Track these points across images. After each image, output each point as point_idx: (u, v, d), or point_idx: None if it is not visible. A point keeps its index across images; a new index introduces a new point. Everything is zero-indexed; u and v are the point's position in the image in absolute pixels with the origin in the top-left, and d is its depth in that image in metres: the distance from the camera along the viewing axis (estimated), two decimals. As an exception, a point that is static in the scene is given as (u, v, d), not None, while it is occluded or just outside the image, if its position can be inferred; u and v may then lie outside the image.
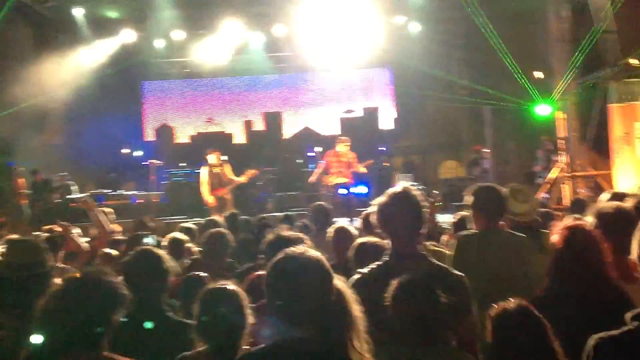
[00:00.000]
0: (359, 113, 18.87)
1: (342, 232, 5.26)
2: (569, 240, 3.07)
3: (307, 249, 2.46)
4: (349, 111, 18.62)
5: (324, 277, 2.36)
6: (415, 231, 3.14)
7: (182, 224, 7.56)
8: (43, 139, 17.43)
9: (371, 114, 19.04)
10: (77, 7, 16.61)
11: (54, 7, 16.76)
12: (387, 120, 19.16)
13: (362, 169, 12.91)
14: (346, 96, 19.27)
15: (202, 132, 19.11)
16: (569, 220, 3.37)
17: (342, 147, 12.80)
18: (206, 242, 5.26)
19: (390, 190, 3.22)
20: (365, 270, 3.14)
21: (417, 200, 3.15)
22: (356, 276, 3.13)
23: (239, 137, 19.32)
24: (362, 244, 4.01)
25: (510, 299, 2.69)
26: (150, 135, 19.52)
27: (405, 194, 3.16)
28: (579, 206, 6.95)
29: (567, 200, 11.07)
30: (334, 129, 18.22)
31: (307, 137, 18.54)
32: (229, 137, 19.07)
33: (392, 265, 3.06)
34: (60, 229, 5.90)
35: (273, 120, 19.20)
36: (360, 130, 17.27)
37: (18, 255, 3.58)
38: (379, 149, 16.82)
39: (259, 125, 19.37)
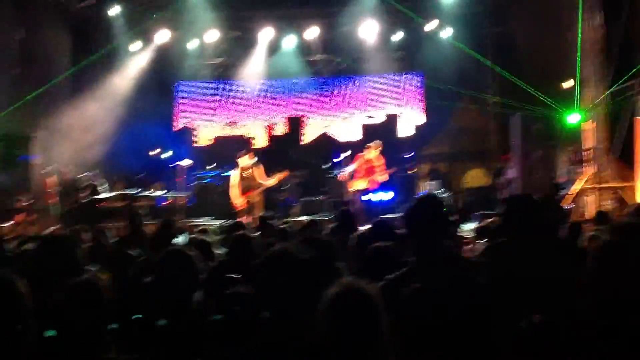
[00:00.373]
0: (380, 119, 18.97)
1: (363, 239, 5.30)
2: None
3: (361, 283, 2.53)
4: (369, 117, 18.74)
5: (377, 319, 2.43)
6: (441, 235, 3.17)
7: (201, 227, 7.67)
8: (74, 138, 17.73)
9: (391, 121, 19.04)
10: (112, 6, 16.87)
11: (90, 7, 17.06)
12: (407, 127, 19.10)
13: (380, 178, 12.93)
14: (375, 101, 19.27)
15: (224, 135, 19.19)
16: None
17: (372, 153, 12.88)
18: (232, 244, 5.31)
19: (417, 196, 3.29)
20: (391, 276, 3.14)
21: (443, 204, 3.20)
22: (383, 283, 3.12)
23: (262, 140, 19.37)
24: (377, 248, 4.02)
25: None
26: (180, 136, 19.68)
27: (430, 198, 3.22)
28: (603, 219, 6.93)
29: (591, 212, 11.00)
30: (357, 135, 18.36)
31: (326, 144, 18.63)
32: (248, 140, 19.22)
33: (417, 270, 3.07)
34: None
35: (295, 124, 19.24)
36: (380, 137, 17.38)
37: (54, 256, 3.64)
38: (406, 156, 16.80)
39: (281, 129, 19.43)
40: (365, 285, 2.54)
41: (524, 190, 12.73)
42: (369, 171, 12.89)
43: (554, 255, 3.99)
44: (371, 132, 18.11)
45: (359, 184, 12.87)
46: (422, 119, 19.20)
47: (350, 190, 13.05)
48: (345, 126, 19.30)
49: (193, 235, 6.03)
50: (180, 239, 5.60)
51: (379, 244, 4.06)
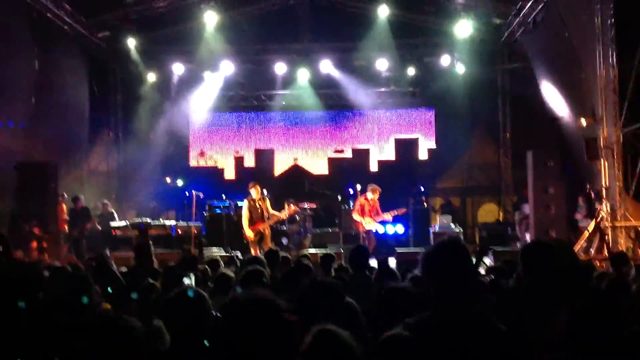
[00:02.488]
0: (348, 154, 19.14)
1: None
2: None
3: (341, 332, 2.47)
4: (338, 151, 18.80)
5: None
6: (463, 283, 3.11)
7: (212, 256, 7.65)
8: (89, 166, 17.88)
9: (361, 155, 19.10)
10: (130, 38, 17.10)
11: (108, 37, 17.31)
12: (374, 163, 19.21)
13: (387, 217, 13.26)
14: (388, 134, 19.32)
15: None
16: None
17: (372, 195, 13.09)
18: (243, 278, 5.29)
19: (438, 240, 3.17)
20: (411, 320, 3.06)
21: (465, 250, 3.09)
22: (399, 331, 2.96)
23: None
24: (392, 289, 3.94)
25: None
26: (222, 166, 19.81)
27: (453, 243, 3.11)
28: (619, 258, 6.87)
29: (608, 250, 10.92)
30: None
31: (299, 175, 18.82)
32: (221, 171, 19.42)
33: (436, 317, 3.00)
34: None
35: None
36: (349, 171, 17.57)
37: (66, 288, 3.64)
38: (419, 188, 16.80)
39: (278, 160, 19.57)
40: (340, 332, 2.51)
41: (538, 227, 12.67)
42: (376, 211, 13.15)
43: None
44: (339, 166, 18.67)
45: (370, 224, 13.08)
46: (433, 151, 19.19)
47: (361, 228, 13.19)
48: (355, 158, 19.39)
49: (222, 270, 5.98)
50: (188, 280, 5.54)
51: (396, 285, 3.98)
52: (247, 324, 2.38)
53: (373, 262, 7.91)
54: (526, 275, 3.64)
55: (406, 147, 19.12)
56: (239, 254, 12.57)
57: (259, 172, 18.42)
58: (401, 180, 17.26)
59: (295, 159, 19.19)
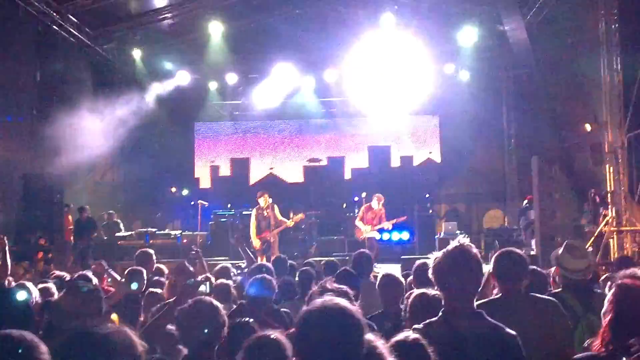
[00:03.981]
0: (323, 162, 19.17)
1: (389, 278, 5.27)
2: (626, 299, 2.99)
3: (340, 300, 2.46)
4: (313, 160, 18.78)
5: (354, 332, 2.31)
6: (472, 289, 3.07)
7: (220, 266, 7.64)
8: (94, 177, 17.92)
9: (336, 164, 19.08)
10: (135, 49, 17.16)
11: (113, 48, 17.38)
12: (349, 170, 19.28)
13: (387, 225, 13.36)
14: (393, 142, 19.34)
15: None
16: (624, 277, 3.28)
17: (376, 204, 13.16)
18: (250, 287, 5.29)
19: (449, 246, 3.16)
20: (419, 326, 3.08)
21: (476, 257, 3.07)
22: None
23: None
24: (422, 295, 3.92)
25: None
26: (199, 175, 19.84)
27: (463, 250, 3.09)
28: (624, 263, 6.84)
29: (613, 255, 10.89)
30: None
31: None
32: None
33: (445, 323, 3.01)
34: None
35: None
36: (325, 179, 17.53)
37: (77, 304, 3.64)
38: (424, 195, 16.79)
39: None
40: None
41: (543, 232, 12.63)
42: (378, 219, 13.20)
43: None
44: (314, 174, 18.65)
45: (370, 233, 13.15)
46: (438, 159, 19.19)
47: (362, 237, 13.28)
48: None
49: (221, 280, 5.99)
50: (204, 288, 5.53)
51: (425, 292, 3.94)
52: (328, 333, 2.34)
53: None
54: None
55: (379, 155, 19.19)
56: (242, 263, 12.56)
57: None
58: (327, 190, 17.32)
59: (272, 168, 19.13)
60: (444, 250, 3.13)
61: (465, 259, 3.04)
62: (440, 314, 3.08)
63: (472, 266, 3.04)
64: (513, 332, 3.01)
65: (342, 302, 2.39)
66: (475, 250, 3.10)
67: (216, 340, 3.51)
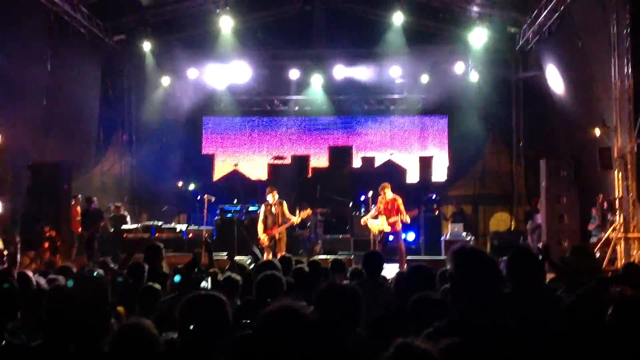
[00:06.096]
0: (287, 161, 18.83)
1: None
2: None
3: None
4: (278, 157, 18.70)
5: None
6: (487, 290, 3.02)
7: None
8: (102, 168, 17.97)
9: (301, 162, 18.92)
10: (145, 42, 17.19)
11: (123, 41, 17.40)
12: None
13: (406, 219, 12.45)
14: (400, 142, 19.28)
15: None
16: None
17: (389, 194, 12.61)
18: (259, 283, 5.26)
19: (460, 246, 3.13)
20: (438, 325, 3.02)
21: (490, 258, 3.07)
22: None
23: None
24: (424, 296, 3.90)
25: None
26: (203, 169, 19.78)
27: (477, 252, 3.10)
28: (631, 270, 6.80)
29: (620, 262, 10.84)
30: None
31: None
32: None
33: (465, 324, 2.96)
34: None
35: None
36: (288, 178, 17.36)
37: (85, 293, 3.63)
38: (430, 196, 16.72)
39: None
40: None
41: (550, 236, 12.61)
42: (390, 212, 12.55)
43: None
44: (278, 172, 18.19)
45: (383, 225, 12.55)
46: (445, 160, 19.10)
47: (374, 231, 12.84)
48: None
49: (228, 274, 5.96)
50: (205, 283, 5.51)
51: (425, 294, 3.94)
52: (281, 334, 2.46)
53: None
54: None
55: (339, 155, 19.06)
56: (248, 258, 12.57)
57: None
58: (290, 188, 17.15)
59: (236, 164, 18.94)
60: (454, 251, 3.11)
61: (481, 260, 3.03)
62: (458, 313, 3.03)
63: (486, 267, 3.03)
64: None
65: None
66: (488, 252, 3.10)
67: (220, 334, 3.41)
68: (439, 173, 18.78)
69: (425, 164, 18.54)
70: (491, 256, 3.12)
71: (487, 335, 2.85)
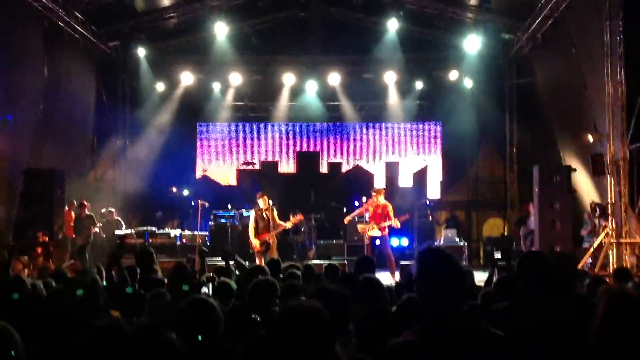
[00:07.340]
0: (257, 166, 19.11)
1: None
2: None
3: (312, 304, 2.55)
4: (247, 163, 18.76)
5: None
6: (457, 291, 3.09)
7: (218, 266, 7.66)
8: (95, 174, 17.96)
9: (271, 167, 19.08)
10: (140, 48, 17.20)
11: (118, 47, 17.43)
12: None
13: (396, 224, 12.73)
14: (394, 148, 19.30)
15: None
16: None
17: (380, 198, 12.80)
18: (253, 288, 5.26)
19: (428, 249, 3.18)
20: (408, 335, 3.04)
21: (451, 255, 3.06)
22: (397, 341, 2.93)
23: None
24: (409, 300, 3.94)
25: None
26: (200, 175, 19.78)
27: (443, 253, 3.10)
28: (622, 274, 6.86)
29: (612, 267, 10.89)
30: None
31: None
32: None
33: (434, 328, 2.98)
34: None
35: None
36: (257, 183, 17.52)
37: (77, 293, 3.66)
38: (424, 202, 16.78)
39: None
40: None
41: (543, 242, 12.63)
42: (379, 217, 12.73)
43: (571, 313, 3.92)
44: (247, 176, 18.53)
45: (373, 231, 12.75)
46: (439, 166, 19.14)
47: (365, 234, 12.96)
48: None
49: (222, 279, 5.97)
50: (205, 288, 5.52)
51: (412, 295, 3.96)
52: (302, 333, 2.49)
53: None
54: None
55: (307, 161, 19.15)
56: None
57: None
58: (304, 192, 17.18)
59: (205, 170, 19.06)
60: (423, 253, 3.15)
61: (449, 260, 3.06)
62: (430, 317, 3.05)
63: (454, 267, 3.06)
64: (500, 333, 3.01)
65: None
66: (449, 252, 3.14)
67: (214, 340, 3.46)
68: (434, 182, 18.86)
69: (420, 176, 18.76)
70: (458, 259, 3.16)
71: (442, 333, 2.88)
